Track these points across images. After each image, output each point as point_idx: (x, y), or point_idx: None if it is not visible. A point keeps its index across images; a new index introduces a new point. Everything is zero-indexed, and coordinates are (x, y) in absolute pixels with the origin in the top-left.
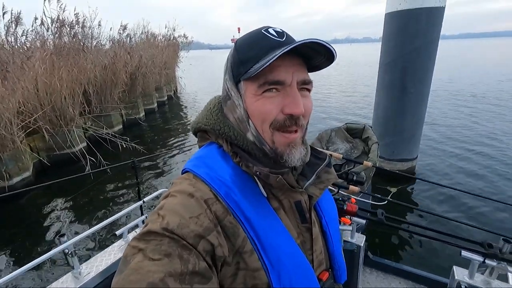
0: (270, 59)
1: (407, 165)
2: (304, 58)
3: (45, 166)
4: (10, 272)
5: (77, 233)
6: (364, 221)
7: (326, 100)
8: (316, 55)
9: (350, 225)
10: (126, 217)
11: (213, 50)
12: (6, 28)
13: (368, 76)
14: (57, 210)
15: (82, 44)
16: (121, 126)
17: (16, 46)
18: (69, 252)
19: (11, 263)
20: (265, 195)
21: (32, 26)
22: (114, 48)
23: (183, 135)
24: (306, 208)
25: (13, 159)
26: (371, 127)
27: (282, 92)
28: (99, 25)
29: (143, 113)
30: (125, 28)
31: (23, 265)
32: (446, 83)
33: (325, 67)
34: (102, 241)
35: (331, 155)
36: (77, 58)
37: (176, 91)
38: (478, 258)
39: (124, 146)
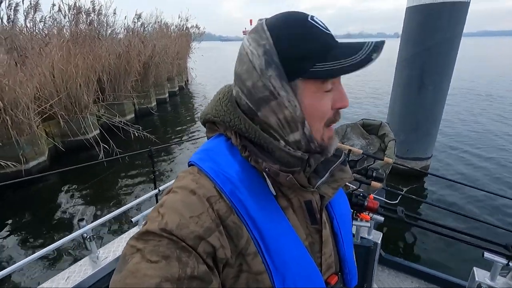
0: (361, 62)
1: (421, 164)
2: None
3: (59, 152)
4: (29, 255)
5: (94, 218)
6: (382, 218)
7: None
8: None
9: (368, 221)
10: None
11: (224, 42)
12: (25, 14)
13: (381, 72)
14: (73, 196)
15: (97, 32)
16: (133, 115)
17: (35, 32)
18: (88, 236)
19: (30, 245)
20: (274, 193)
21: (50, 12)
22: (129, 36)
23: (194, 125)
24: (317, 208)
25: (29, 144)
26: (388, 123)
27: (332, 87)
28: (114, 13)
29: (155, 103)
30: (139, 17)
31: (42, 248)
32: (463, 81)
33: None
34: (117, 228)
35: (350, 150)
36: (92, 45)
37: (187, 81)
38: (502, 260)
39: (136, 135)
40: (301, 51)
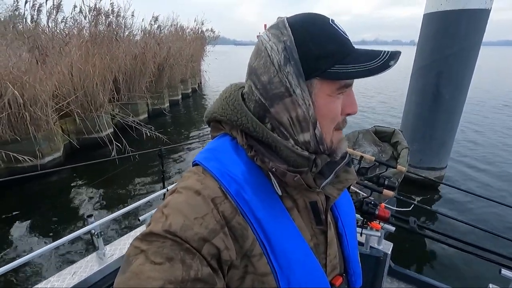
0: (379, 67)
1: (435, 174)
2: None
3: (74, 148)
4: (39, 248)
5: (103, 215)
6: (393, 228)
7: None
8: None
9: (378, 231)
10: (149, 203)
11: (238, 46)
12: (48, 14)
13: (396, 80)
14: (84, 192)
15: (115, 33)
16: (146, 115)
17: (56, 32)
18: (95, 233)
19: (40, 238)
20: (280, 193)
21: (71, 13)
22: (145, 38)
23: (206, 127)
24: (322, 209)
25: (46, 139)
26: (402, 131)
27: (344, 93)
28: (132, 15)
29: (168, 104)
30: (156, 19)
31: (51, 242)
32: (481, 90)
33: None
34: (125, 225)
35: (362, 156)
36: (110, 46)
37: (201, 84)
38: None
39: (148, 135)
40: (321, 50)
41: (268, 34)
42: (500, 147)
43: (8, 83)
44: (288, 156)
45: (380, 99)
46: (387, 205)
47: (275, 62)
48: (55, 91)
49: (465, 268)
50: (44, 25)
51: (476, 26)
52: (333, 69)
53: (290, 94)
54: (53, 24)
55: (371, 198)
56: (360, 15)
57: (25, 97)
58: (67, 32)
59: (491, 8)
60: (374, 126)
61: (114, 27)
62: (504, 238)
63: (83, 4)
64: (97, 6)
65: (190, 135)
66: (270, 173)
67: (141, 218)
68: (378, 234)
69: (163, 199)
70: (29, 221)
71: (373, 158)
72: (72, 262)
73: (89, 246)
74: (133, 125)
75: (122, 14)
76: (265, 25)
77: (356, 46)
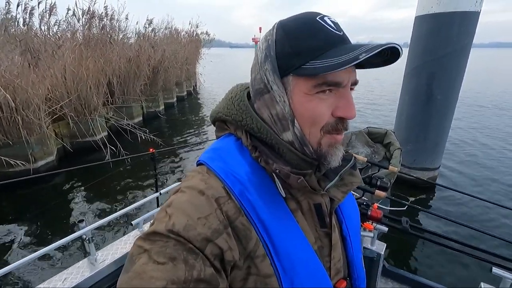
0: (347, 61)
1: (428, 174)
2: None
3: (68, 152)
4: (29, 254)
5: (95, 220)
6: (386, 229)
7: None
8: (376, 56)
9: (371, 231)
10: (142, 207)
11: (233, 49)
12: (40, 17)
13: (389, 82)
14: (77, 196)
15: (109, 36)
16: (141, 118)
17: (49, 35)
18: (87, 238)
19: (31, 244)
20: (284, 195)
21: (65, 16)
22: (139, 41)
23: (201, 130)
24: (327, 212)
25: (39, 143)
26: (394, 132)
27: (334, 93)
28: (126, 18)
29: (163, 107)
30: (150, 22)
31: (42, 247)
32: (472, 91)
33: (373, 67)
34: (118, 230)
35: (354, 157)
36: (104, 49)
37: (196, 87)
38: (510, 276)
39: (143, 138)
40: (297, 47)
41: (263, 36)
42: (491, 147)
43: (0, 87)
44: (292, 158)
45: (372, 100)
46: (380, 206)
47: (258, 60)
48: (48, 94)
49: (458, 267)
50: (36, 28)
51: (466, 28)
52: (307, 65)
53: (268, 90)
54: (46, 27)
55: (364, 198)
56: (356, 17)
57: (17, 100)
58: (60, 35)
59: (480, 10)
60: (367, 127)
61: (108, 30)
62: (495, 237)
63: (77, 7)
64: (91, 9)
65: (186, 138)
66: (274, 174)
67: (133, 222)
68: (371, 234)
69: (157, 202)
70: (21, 227)
71: (365, 159)
72: (64, 268)
73: (81, 251)
74: (128, 128)
75: (116, 17)
76: (260, 28)
77: None
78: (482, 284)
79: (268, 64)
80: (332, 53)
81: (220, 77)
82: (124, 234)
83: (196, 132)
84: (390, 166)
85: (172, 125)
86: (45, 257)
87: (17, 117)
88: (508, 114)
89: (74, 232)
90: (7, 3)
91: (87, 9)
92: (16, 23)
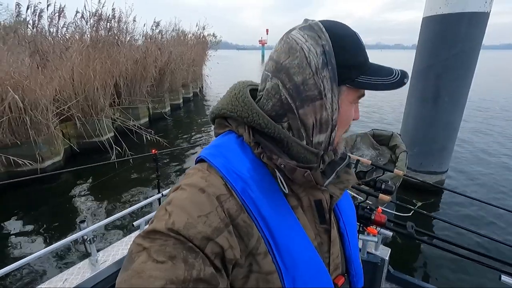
0: (396, 83)
1: (436, 178)
2: None
3: (74, 153)
4: (31, 253)
5: (97, 220)
6: (390, 233)
7: None
8: None
9: (375, 236)
10: (144, 208)
11: (240, 51)
12: (49, 19)
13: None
14: (82, 195)
15: (116, 38)
16: (147, 119)
17: (57, 37)
18: (88, 238)
19: (34, 243)
20: (286, 191)
21: (73, 19)
22: (146, 43)
23: (206, 131)
24: (327, 208)
25: (46, 144)
26: (400, 135)
27: None
28: (134, 20)
29: (169, 108)
30: (157, 24)
31: (44, 246)
32: (481, 93)
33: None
34: (120, 231)
35: (359, 160)
36: (111, 51)
37: (202, 88)
38: None
39: (149, 139)
40: (354, 60)
41: (303, 34)
42: (502, 151)
43: (9, 87)
44: (299, 152)
45: (378, 103)
46: (385, 209)
47: (312, 64)
48: (56, 95)
49: (465, 274)
50: (45, 30)
51: (475, 29)
52: (359, 79)
53: (321, 98)
54: (54, 29)
55: (369, 202)
56: (362, 19)
57: (26, 101)
58: (68, 37)
59: (490, 11)
60: (372, 129)
61: (115, 32)
62: (504, 244)
63: (85, 9)
64: (99, 12)
65: (190, 139)
66: (276, 170)
67: (135, 223)
68: (375, 239)
69: (159, 203)
70: (26, 226)
71: (370, 162)
72: (65, 268)
73: (82, 252)
74: (134, 129)
75: (124, 19)
76: (267, 30)
77: None
78: None
79: (327, 72)
80: (373, 71)
81: (226, 78)
82: (125, 235)
83: (201, 133)
84: (395, 169)
85: (177, 126)
86: (46, 257)
87: (26, 118)
88: None
89: (77, 232)
90: (17, 6)
91: (95, 12)
92: (26, 25)
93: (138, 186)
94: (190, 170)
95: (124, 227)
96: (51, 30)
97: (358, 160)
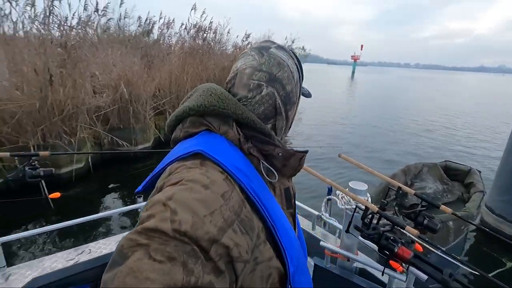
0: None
1: None
2: None
3: (161, 142)
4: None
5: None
6: (425, 277)
7: (435, 131)
8: None
9: (402, 273)
10: None
11: (330, 65)
12: (160, 30)
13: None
14: None
15: (209, 47)
16: None
17: (163, 45)
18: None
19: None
20: (276, 179)
21: (178, 29)
22: (235, 53)
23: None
24: (293, 194)
25: (141, 131)
26: (480, 172)
27: None
28: (228, 32)
29: None
30: (248, 36)
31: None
32: None
33: None
34: None
35: (400, 187)
36: (203, 58)
37: None
38: None
39: None
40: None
41: (283, 53)
42: None
43: (122, 82)
44: (281, 145)
45: (467, 132)
46: (446, 256)
47: (295, 77)
48: (155, 92)
49: None
50: (155, 38)
51: None
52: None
53: (298, 102)
54: (162, 38)
55: (423, 236)
56: (480, 38)
57: (132, 94)
58: (171, 45)
59: None
60: (445, 160)
61: (210, 41)
62: None
63: (188, 22)
64: (198, 24)
65: None
66: (263, 162)
67: None
68: (403, 278)
69: None
70: (116, 194)
71: (413, 191)
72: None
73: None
74: None
75: (218, 31)
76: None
77: (473, 72)
78: None
79: (299, 82)
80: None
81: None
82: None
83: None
84: (442, 205)
85: None
86: (100, 222)
87: (130, 108)
88: None
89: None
90: (138, 18)
91: (195, 24)
92: (142, 34)
93: None
94: (179, 165)
95: None
96: (160, 38)
97: (399, 188)
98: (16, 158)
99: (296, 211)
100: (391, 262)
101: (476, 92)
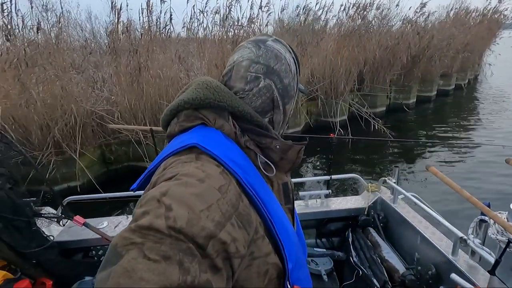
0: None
1: None
2: None
3: (310, 128)
4: None
5: None
6: None
7: None
8: None
9: None
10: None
11: None
12: (316, 15)
13: None
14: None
15: (368, 26)
16: (384, 108)
17: (316, 29)
18: None
19: None
20: (273, 172)
21: (337, 12)
22: (402, 28)
23: (455, 133)
24: (291, 189)
25: (293, 116)
26: None
27: None
28: (397, 5)
29: (414, 100)
30: (423, 6)
31: None
32: None
33: None
34: None
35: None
36: (362, 39)
37: (476, 79)
38: None
39: (376, 128)
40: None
41: (280, 47)
42: None
43: None
44: (279, 137)
45: None
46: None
47: (292, 70)
48: (309, 79)
49: None
50: (310, 24)
51: None
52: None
53: (294, 96)
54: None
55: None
56: None
57: None
58: (324, 29)
59: None
60: None
61: (369, 19)
62: None
63: (348, 1)
64: (357, 2)
65: (425, 136)
66: (260, 156)
67: None
68: None
69: (327, 185)
70: None
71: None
72: None
73: None
74: (364, 116)
75: (382, 7)
76: None
77: None
78: None
79: (297, 76)
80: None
81: None
82: None
83: (438, 134)
84: None
85: (418, 121)
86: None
87: None
88: None
89: None
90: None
91: (354, 2)
92: (299, 24)
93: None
94: (174, 160)
95: None
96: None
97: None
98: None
99: (295, 207)
100: None
101: None
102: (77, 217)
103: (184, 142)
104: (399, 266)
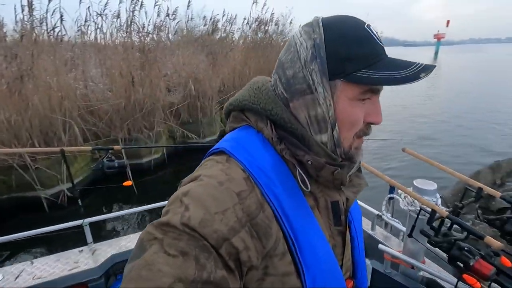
0: (408, 78)
1: None
2: None
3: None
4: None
5: None
6: None
7: None
8: None
9: None
10: None
11: (407, 47)
12: (224, 27)
13: None
14: None
15: (271, 39)
16: None
17: (225, 41)
18: None
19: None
20: (308, 189)
21: (241, 25)
22: None
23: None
24: (343, 210)
25: (208, 124)
26: None
27: (368, 99)
28: (291, 22)
29: None
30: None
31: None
32: None
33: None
34: None
35: (481, 188)
36: (266, 51)
37: None
38: None
39: None
40: (350, 52)
41: (301, 30)
42: None
43: (190, 80)
44: (319, 153)
45: None
46: None
47: (301, 57)
48: (220, 87)
49: None
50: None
51: None
52: (358, 73)
53: (312, 92)
54: (225, 34)
55: (502, 246)
56: None
57: (199, 90)
58: (232, 41)
59: None
60: None
61: (270, 34)
62: None
63: (250, 16)
64: (259, 17)
65: None
66: (298, 168)
67: None
68: None
69: None
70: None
71: (499, 194)
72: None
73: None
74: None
75: (281, 22)
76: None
77: None
78: None
79: (316, 65)
80: (382, 65)
81: None
82: None
83: None
84: None
85: None
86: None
87: (197, 103)
88: None
89: None
90: (203, 19)
91: (256, 17)
92: (208, 33)
93: None
94: (207, 161)
95: None
96: (222, 35)
97: (480, 188)
98: (96, 152)
99: (360, 234)
100: (466, 276)
101: None
102: None
103: (217, 144)
104: None
